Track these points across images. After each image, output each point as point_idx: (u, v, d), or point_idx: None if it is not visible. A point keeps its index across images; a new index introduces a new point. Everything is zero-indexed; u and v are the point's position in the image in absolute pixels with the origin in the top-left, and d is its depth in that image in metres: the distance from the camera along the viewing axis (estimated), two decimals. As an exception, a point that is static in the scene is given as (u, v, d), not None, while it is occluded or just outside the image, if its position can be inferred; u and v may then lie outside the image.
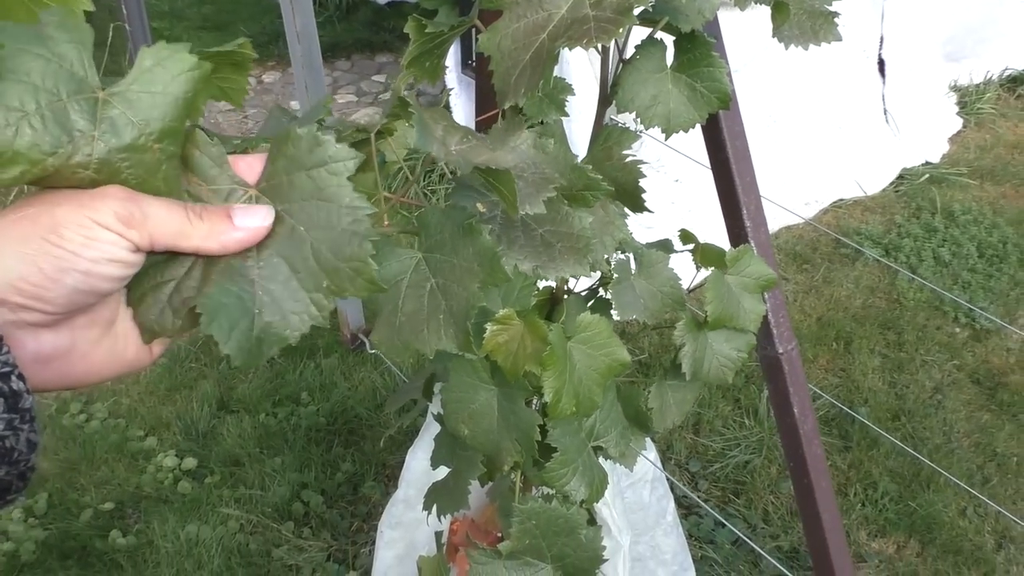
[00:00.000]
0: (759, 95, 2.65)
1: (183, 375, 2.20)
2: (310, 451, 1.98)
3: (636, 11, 0.51)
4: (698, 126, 0.68)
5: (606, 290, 0.83)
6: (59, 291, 0.38)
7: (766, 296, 0.93)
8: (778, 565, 1.61)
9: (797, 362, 1.03)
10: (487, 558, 0.69)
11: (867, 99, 3.05)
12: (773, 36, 0.70)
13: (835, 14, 0.71)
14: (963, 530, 1.83)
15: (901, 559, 1.78)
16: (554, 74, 0.81)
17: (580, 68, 2.29)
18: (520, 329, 0.67)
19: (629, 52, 0.67)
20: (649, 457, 1.33)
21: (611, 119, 0.74)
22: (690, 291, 0.83)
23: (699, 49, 0.66)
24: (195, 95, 0.40)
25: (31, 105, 0.36)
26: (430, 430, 1.22)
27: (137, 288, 0.43)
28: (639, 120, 0.66)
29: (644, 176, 0.71)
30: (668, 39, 0.67)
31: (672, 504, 1.39)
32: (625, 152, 0.71)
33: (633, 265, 0.80)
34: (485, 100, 1.62)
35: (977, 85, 3.52)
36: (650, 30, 0.66)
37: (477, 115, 1.84)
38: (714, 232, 0.95)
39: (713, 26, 0.84)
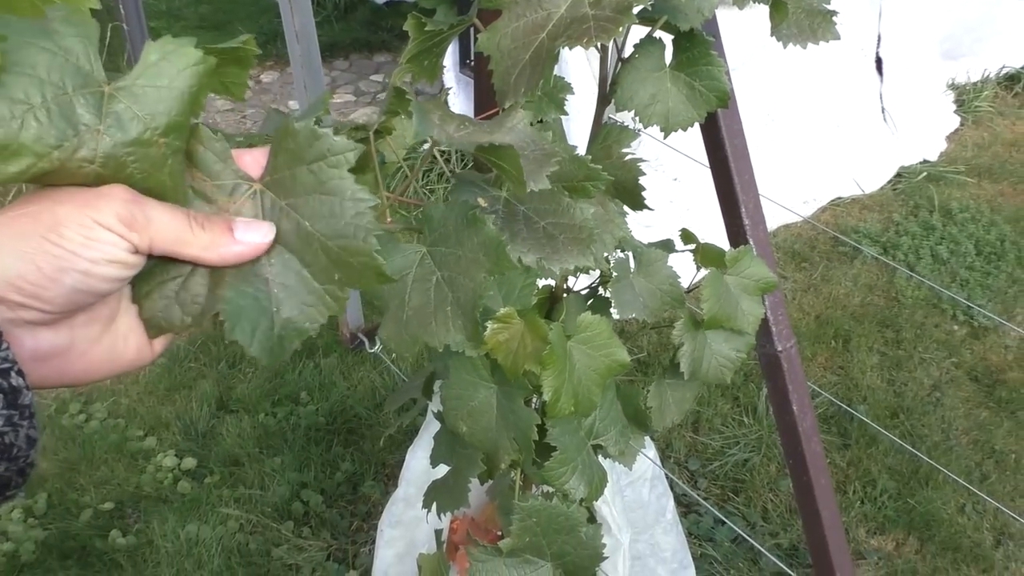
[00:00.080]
0: (757, 93, 2.66)
1: (182, 375, 2.20)
2: (309, 451, 1.98)
3: (635, 10, 0.51)
4: (697, 124, 0.68)
5: (605, 289, 0.83)
6: (57, 291, 0.38)
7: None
8: (778, 562, 1.61)
9: (796, 360, 1.04)
10: (487, 556, 0.69)
11: (865, 97, 3.05)
12: (771, 35, 0.70)
13: (833, 13, 0.71)
14: (962, 527, 1.83)
15: (900, 556, 1.78)
16: (553, 73, 0.81)
17: (579, 67, 2.29)
18: (520, 328, 0.67)
19: (628, 51, 0.67)
20: (648, 455, 1.33)
21: (610, 118, 0.74)
22: (689, 290, 0.83)
23: (698, 48, 0.66)
24: (200, 89, 0.40)
25: (36, 98, 0.36)
26: (430, 429, 1.22)
27: (143, 284, 0.43)
28: (638, 119, 0.67)
29: (643, 174, 0.71)
30: (667, 38, 0.68)
31: (671, 502, 1.40)
32: (624, 151, 0.71)
33: (632, 264, 0.80)
34: (484, 99, 1.62)
35: (975, 83, 3.53)
36: (649, 29, 0.66)
37: (475, 114, 1.85)
38: (713, 231, 0.95)
39: (712, 25, 0.84)
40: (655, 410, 0.83)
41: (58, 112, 0.37)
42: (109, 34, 2.53)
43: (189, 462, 1.94)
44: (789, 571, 1.46)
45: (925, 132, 3.21)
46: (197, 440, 2.02)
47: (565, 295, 0.83)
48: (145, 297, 0.43)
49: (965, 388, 2.21)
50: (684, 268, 0.83)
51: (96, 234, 0.38)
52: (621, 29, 0.50)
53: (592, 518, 1.07)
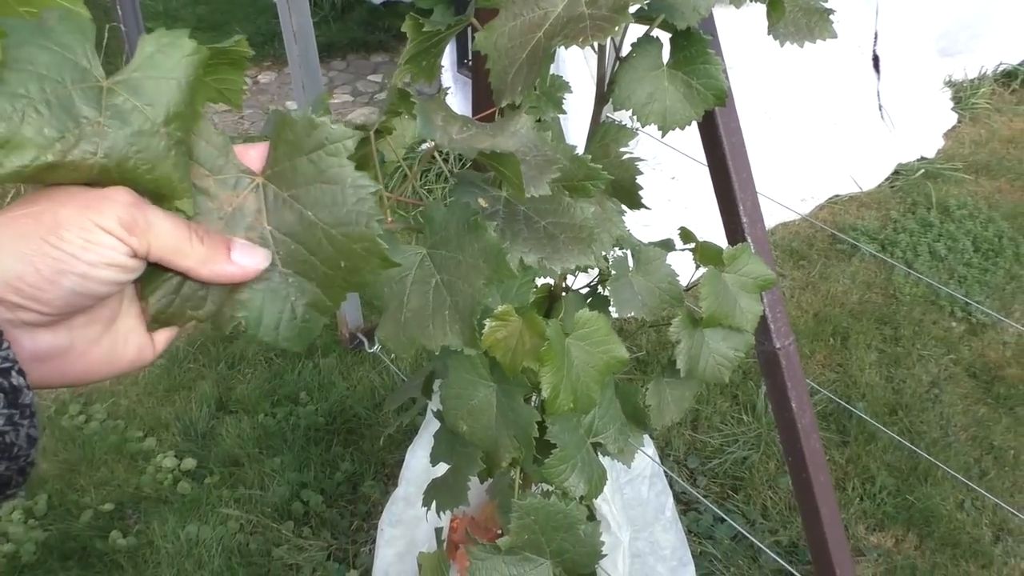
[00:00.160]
0: (754, 92, 2.66)
1: (182, 376, 2.20)
2: (309, 451, 1.98)
3: (632, 9, 0.51)
4: (694, 123, 0.68)
5: (604, 287, 0.83)
6: (56, 293, 0.38)
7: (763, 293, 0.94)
8: (777, 560, 1.62)
9: (795, 357, 1.04)
10: (486, 554, 0.70)
11: (862, 95, 3.05)
12: (768, 33, 0.70)
13: (830, 11, 0.71)
14: (961, 523, 1.83)
15: (899, 552, 1.79)
16: (551, 72, 0.81)
17: (577, 65, 2.29)
18: (519, 325, 0.67)
19: (625, 50, 0.67)
20: (648, 453, 1.33)
21: (608, 116, 0.74)
22: (688, 288, 0.84)
23: (695, 46, 0.66)
24: (198, 79, 0.41)
25: (36, 93, 0.37)
26: (429, 428, 1.22)
27: (147, 277, 0.43)
28: (635, 117, 0.67)
29: (641, 173, 0.71)
30: (664, 36, 0.68)
31: (671, 500, 1.40)
32: (622, 149, 0.71)
33: (631, 262, 0.81)
34: (482, 99, 1.62)
35: (971, 80, 3.53)
36: (646, 28, 0.66)
37: (474, 114, 1.84)
38: (711, 229, 0.95)
39: (709, 23, 0.84)
40: (654, 408, 0.83)
41: (58, 105, 0.37)
42: (107, 35, 2.53)
43: (189, 463, 1.94)
44: (789, 568, 1.46)
45: (922, 129, 3.22)
46: (197, 441, 2.02)
47: (564, 294, 0.83)
48: (150, 292, 0.43)
49: (963, 384, 2.21)
50: (683, 266, 0.83)
51: (96, 237, 0.38)
52: (618, 28, 0.51)
53: (591, 516, 1.07)
